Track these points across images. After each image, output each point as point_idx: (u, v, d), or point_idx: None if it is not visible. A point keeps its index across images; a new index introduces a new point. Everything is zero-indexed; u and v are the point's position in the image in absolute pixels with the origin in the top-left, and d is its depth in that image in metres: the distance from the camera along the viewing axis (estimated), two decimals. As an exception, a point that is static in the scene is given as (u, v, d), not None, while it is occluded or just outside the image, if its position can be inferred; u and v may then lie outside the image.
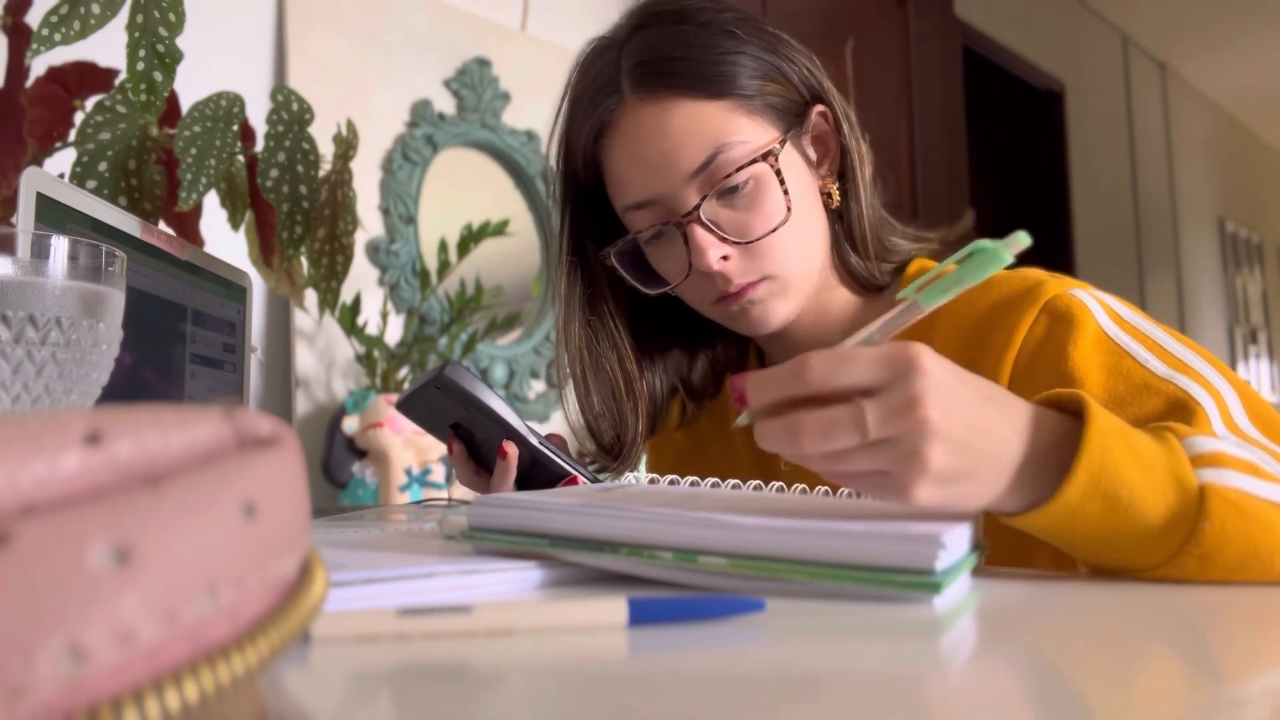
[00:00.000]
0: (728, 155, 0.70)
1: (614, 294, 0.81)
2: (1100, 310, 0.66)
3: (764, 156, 0.71)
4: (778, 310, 0.75)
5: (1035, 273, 0.72)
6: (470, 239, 1.55)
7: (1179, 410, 0.59)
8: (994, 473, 0.45)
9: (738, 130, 0.71)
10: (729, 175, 0.70)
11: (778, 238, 0.72)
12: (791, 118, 0.74)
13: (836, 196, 0.77)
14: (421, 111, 1.79)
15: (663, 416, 0.85)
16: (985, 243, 0.46)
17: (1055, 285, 0.68)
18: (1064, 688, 0.29)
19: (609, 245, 0.77)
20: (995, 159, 3.96)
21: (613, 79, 0.73)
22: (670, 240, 0.75)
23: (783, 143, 0.72)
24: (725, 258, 0.72)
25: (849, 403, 0.42)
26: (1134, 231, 4.43)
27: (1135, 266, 4.33)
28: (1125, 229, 4.39)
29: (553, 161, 0.81)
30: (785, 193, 0.71)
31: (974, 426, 0.43)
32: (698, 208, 0.71)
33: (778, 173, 0.71)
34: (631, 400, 0.80)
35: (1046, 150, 3.94)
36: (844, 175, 0.78)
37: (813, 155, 0.77)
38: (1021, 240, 0.46)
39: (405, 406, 0.78)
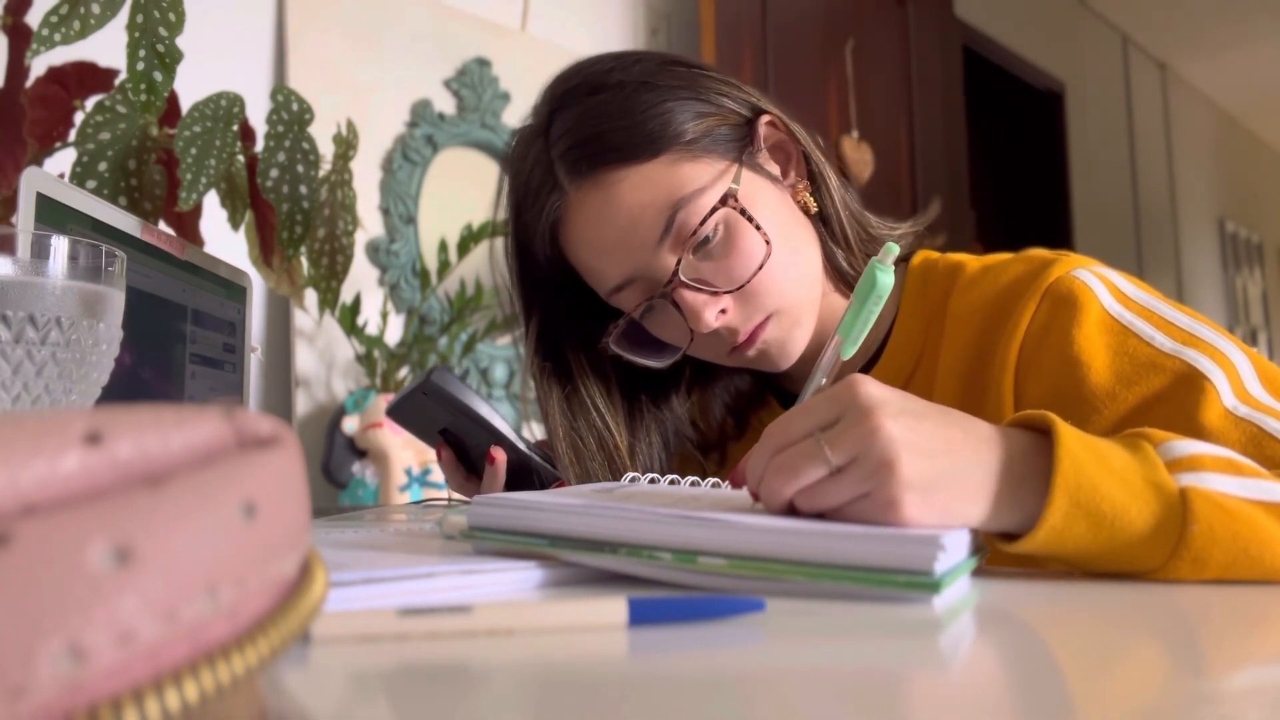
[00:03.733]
0: (687, 210, 0.67)
1: (598, 382, 0.78)
2: (1104, 290, 0.65)
3: (723, 201, 0.67)
4: (796, 340, 0.73)
5: (1040, 254, 0.71)
6: (470, 239, 1.55)
7: (1186, 385, 0.59)
8: (972, 478, 0.45)
9: (688, 180, 0.68)
10: (695, 231, 0.67)
11: (768, 272, 0.68)
12: (739, 142, 0.71)
13: (812, 202, 0.74)
14: (421, 111, 1.79)
15: None
16: (871, 264, 0.54)
17: (1059, 267, 0.67)
18: (1061, 687, 0.29)
19: (595, 333, 0.75)
20: (995, 159, 3.96)
21: (548, 173, 0.71)
22: (664, 309, 0.72)
23: (738, 176, 0.69)
24: (723, 311, 0.69)
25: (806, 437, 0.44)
26: (1134, 231, 4.44)
27: (1135, 266, 4.33)
28: (1125, 229, 4.39)
29: (507, 269, 0.78)
30: (758, 228, 0.68)
31: (935, 434, 0.44)
32: (676, 273, 0.68)
33: (742, 211, 0.68)
34: None
35: (1046, 150, 3.94)
36: (812, 177, 0.75)
37: (774, 169, 0.73)
38: (891, 250, 0.54)
39: (394, 413, 0.78)
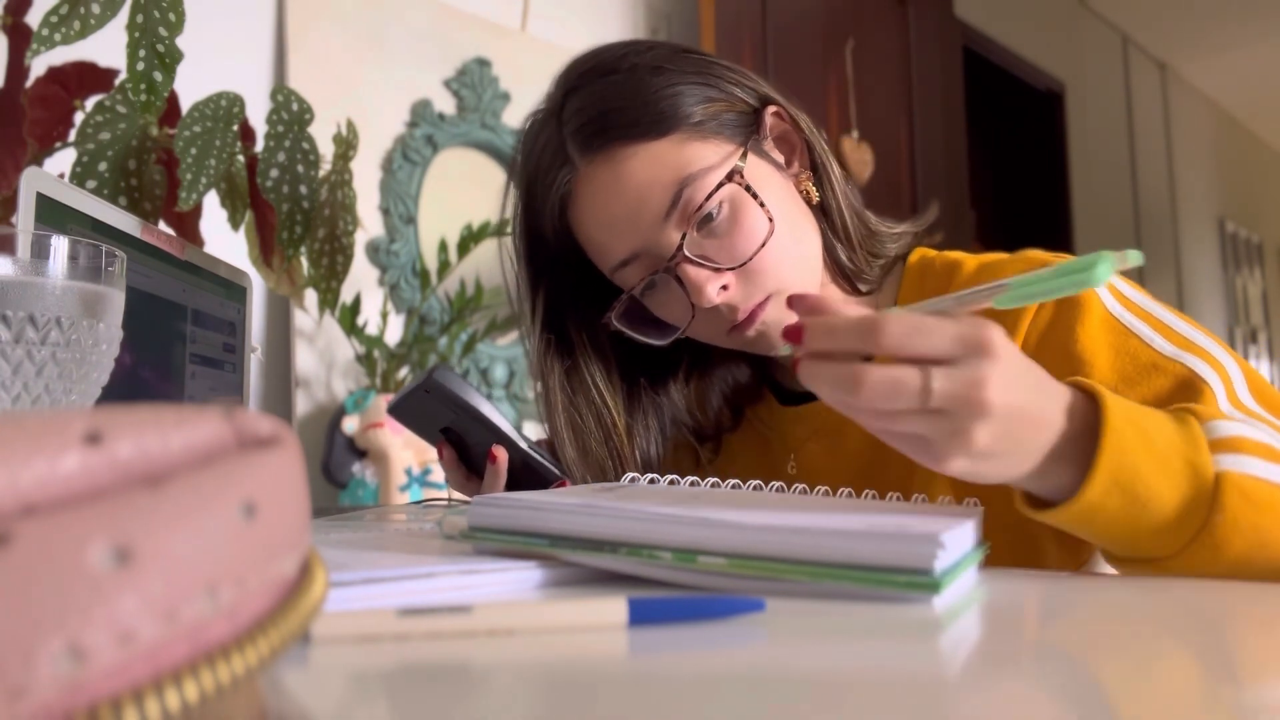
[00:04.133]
0: (694, 187, 0.69)
1: (599, 362, 0.79)
2: (1106, 291, 0.67)
3: (729, 177, 0.69)
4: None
5: (1039, 255, 0.72)
6: (470, 239, 1.55)
7: (1187, 389, 0.60)
8: (1026, 456, 0.47)
9: (695, 159, 0.69)
10: (701, 206, 0.68)
11: (770, 252, 0.70)
12: (745, 128, 0.73)
13: (815, 192, 0.75)
14: (421, 111, 1.79)
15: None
16: (1103, 255, 0.44)
17: None
18: (1062, 688, 0.29)
19: (598, 313, 0.75)
20: (995, 159, 3.96)
21: (559, 150, 0.72)
22: (665, 287, 0.73)
23: (744, 156, 0.70)
24: (725, 287, 0.70)
25: (917, 367, 0.43)
26: (1134, 231, 4.43)
27: (1135, 267, 4.32)
28: (1125, 229, 4.39)
29: (514, 249, 0.79)
30: (762, 205, 0.69)
31: (1023, 414, 0.45)
32: (681, 248, 0.69)
33: (747, 188, 0.69)
34: (620, 477, 0.78)
35: (1046, 150, 3.94)
36: (815, 169, 0.76)
37: (779, 158, 0.75)
38: (1130, 258, 0.44)
39: (396, 411, 0.78)
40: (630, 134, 0.69)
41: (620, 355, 0.80)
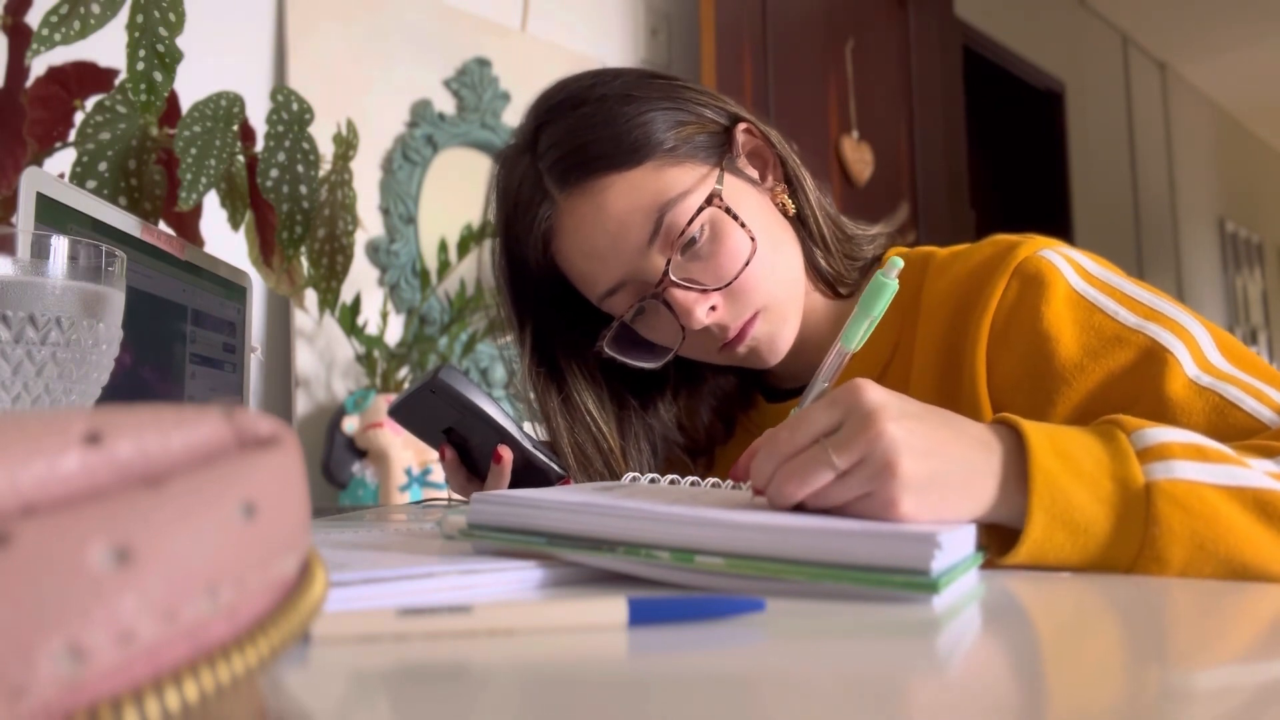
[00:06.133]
0: (674, 212, 0.70)
1: (590, 389, 0.80)
2: (1069, 268, 0.68)
3: (709, 201, 0.70)
4: (784, 336, 0.75)
5: (1006, 238, 0.73)
6: (470, 239, 1.55)
7: (1150, 359, 0.62)
8: (964, 477, 0.47)
9: (673, 184, 0.70)
10: (683, 231, 0.70)
11: (755, 269, 0.71)
12: (718, 148, 0.74)
13: (790, 204, 0.77)
14: (421, 111, 1.79)
15: None
16: (878, 274, 0.56)
17: (1025, 248, 0.70)
18: (1062, 690, 0.29)
19: (586, 341, 0.77)
20: (995, 159, 3.96)
21: (537, 185, 0.73)
22: (654, 311, 0.74)
23: (720, 177, 0.71)
24: (713, 308, 0.71)
25: (816, 443, 0.46)
26: (1134, 231, 4.44)
27: (1135, 266, 4.33)
28: (1125, 229, 4.39)
29: (496, 282, 0.81)
30: (743, 225, 0.70)
31: (931, 435, 0.46)
32: (667, 273, 0.70)
33: (727, 210, 0.70)
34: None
35: (1046, 150, 3.94)
36: (789, 181, 0.78)
37: (753, 173, 0.76)
38: (896, 264, 0.56)
39: (398, 413, 0.78)
40: (606, 165, 0.70)
41: (609, 379, 0.81)
